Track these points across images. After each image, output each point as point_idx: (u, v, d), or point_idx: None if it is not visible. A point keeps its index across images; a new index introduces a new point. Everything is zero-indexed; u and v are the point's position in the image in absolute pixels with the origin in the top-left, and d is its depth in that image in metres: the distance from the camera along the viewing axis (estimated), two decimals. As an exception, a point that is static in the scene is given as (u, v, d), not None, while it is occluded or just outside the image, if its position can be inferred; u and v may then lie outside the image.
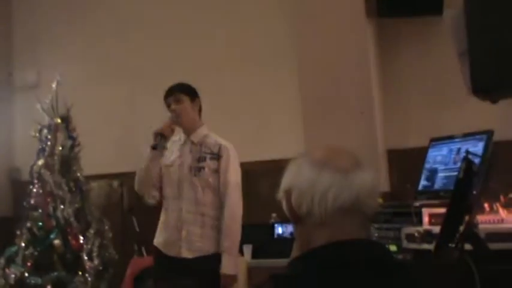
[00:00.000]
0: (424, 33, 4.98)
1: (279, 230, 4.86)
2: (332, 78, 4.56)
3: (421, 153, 3.46)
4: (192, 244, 3.48)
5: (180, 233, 3.49)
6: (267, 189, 5.09)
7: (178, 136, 3.64)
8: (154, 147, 3.48)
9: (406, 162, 4.67)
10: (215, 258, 3.44)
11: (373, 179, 1.39)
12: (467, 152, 2.33)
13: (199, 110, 3.66)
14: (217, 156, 3.51)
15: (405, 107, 5.10)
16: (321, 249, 1.35)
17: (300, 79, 4.73)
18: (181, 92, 3.58)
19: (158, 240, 3.61)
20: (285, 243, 4.25)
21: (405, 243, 2.92)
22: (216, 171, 3.50)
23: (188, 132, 3.60)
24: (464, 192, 2.20)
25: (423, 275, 1.49)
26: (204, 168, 3.50)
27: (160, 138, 3.48)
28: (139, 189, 3.61)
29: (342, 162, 1.38)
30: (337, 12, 4.59)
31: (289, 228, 4.57)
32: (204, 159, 3.52)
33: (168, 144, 3.59)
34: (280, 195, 1.43)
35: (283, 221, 4.81)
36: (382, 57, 5.10)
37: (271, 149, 5.18)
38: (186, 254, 3.48)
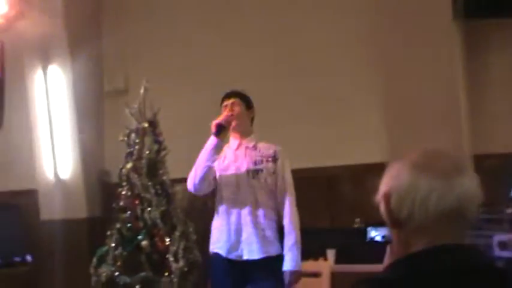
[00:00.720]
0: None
1: (372, 233, 4.68)
2: (417, 82, 4.49)
3: (508, 159, 3.35)
4: (253, 246, 3.52)
5: (240, 235, 3.54)
6: (351, 194, 5.05)
7: (227, 144, 3.72)
8: (215, 134, 3.54)
9: (493, 168, 4.53)
10: (278, 260, 3.48)
11: (476, 184, 1.36)
12: None
13: (251, 120, 3.78)
14: (273, 159, 3.60)
15: (493, 112, 4.95)
16: (422, 254, 1.32)
17: (385, 83, 4.68)
18: (239, 98, 3.72)
19: (217, 245, 3.64)
20: (374, 247, 4.17)
21: (497, 251, 2.83)
22: (274, 173, 3.58)
23: (242, 136, 3.69)
24: None
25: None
26: (262, 170, 3.57)
27: (220, 128, 3.55)
28: (197, 182, 3.59)
29: (444, 166, 1.35)
30: (422, 13, 4.52)
31: (382, 232, 4.48)
32: (261, 162, 3.60)
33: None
34: (379, 198, 1.41)
35: (367, 225, 4.73)
36: (469, 60, 4.97)
37: (355, 154, 5.13)
38: (248, 256, 3.52)
